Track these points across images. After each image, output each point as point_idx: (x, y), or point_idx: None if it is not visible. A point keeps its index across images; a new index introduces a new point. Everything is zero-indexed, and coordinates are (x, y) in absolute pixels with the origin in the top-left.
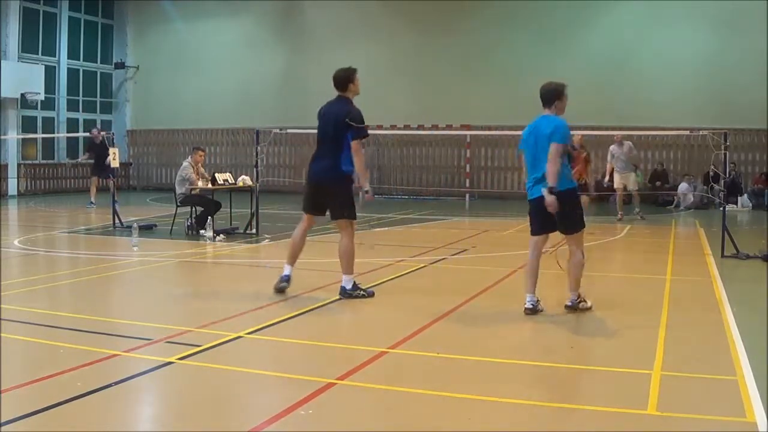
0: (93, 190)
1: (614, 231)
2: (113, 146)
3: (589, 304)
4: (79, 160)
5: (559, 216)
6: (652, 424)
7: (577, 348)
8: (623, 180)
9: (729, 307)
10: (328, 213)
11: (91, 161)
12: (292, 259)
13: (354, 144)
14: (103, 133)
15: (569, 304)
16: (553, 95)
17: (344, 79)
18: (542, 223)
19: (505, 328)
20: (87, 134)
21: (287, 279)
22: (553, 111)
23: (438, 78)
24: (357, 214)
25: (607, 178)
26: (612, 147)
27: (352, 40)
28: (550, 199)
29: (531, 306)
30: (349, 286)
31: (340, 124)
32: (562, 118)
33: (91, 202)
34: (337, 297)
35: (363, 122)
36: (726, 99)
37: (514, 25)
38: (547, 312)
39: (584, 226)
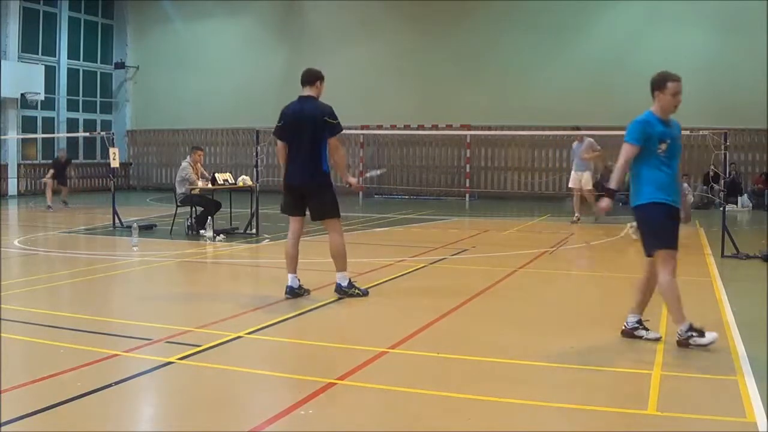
0: (49, 192)
1: (615, 231)
2: (113, 146)
3: (705, 341)
4: (44, 179)
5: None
6: (652, 424)
7: (577, 348)
8: (578, 179)
9: (729, 307)
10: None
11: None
12: (292, 268)
13: (333, 141)
14: (65, 155)
15: (678, 337)
16: (652, 86)
17: (315, 74)
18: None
19: (505, 328)
20: (86, 134)
21: (291, 291)
22: (654, 106)
23: (438, 78)
24: (360, 215)
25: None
26: (574, 143)
27: (352, 40)
28: (602, 203)
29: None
30: (344, 283)
31: (319, 125)
32: (656, 114)
33: (49, 206)
34: (336, 297)
35: (337, 118)
36: (726, 99)
37: (514, 25)
38: (546, 312)
39: (664, 246)
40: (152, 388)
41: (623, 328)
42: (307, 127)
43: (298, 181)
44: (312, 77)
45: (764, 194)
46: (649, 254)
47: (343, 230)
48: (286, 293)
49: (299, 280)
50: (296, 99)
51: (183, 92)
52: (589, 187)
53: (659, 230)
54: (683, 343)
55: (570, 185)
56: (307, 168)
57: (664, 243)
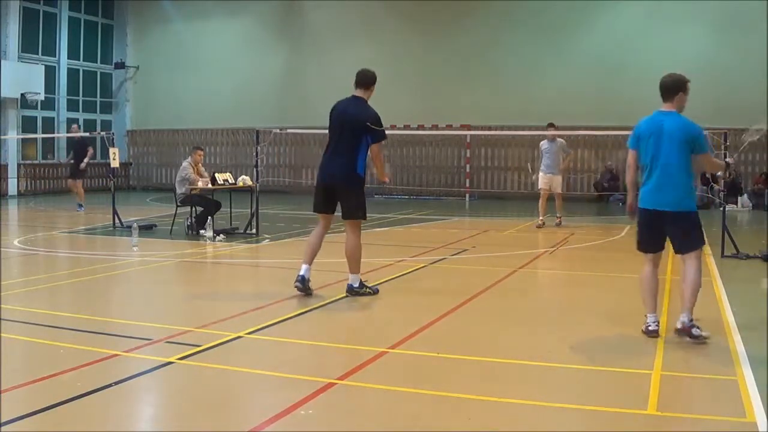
0: (80, 191)
1: (614, 231)
2: (113, 146)
3: (705, 333)
4: (66, 160)
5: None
6: (652, 424)
7: (577, 348)
8: (548, 181)
9: (729, 307)
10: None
11: (72, 161)
12: (309, 259)
13: (375, 147)
14: (79, 130)
15: (678, 326)
16: (676, 87)
17: (371, 78)
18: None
19: (505, 328)
20: (86, 134)
21: (302, 280)
22: (673, 106)
23: (438, 78)
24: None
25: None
26: (542, 142)
27: (353, 41)
28: None
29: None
30: (356, 284)
31: (361, 127)
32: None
33: (80, 204)
34: (337, 297)
35: (381, 125)
36: (726, 99)
37: (514, 25)
38: (546, 312)
39: (703, 244)
40: (152, 388)
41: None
42: (348, 127)
43: (329, 179)
44: (368, 80)
45: (764, 194)
46: (686, 252)
47: (344, 230)
48: (296, 281)
49: (306, 270)
50: (349, 96)
51: (183, 92)
52: (559, 190)
53: (701, 231)
54: (685, 331)
55: (540, 186)
56: (338, 167)
57: (703, 242)
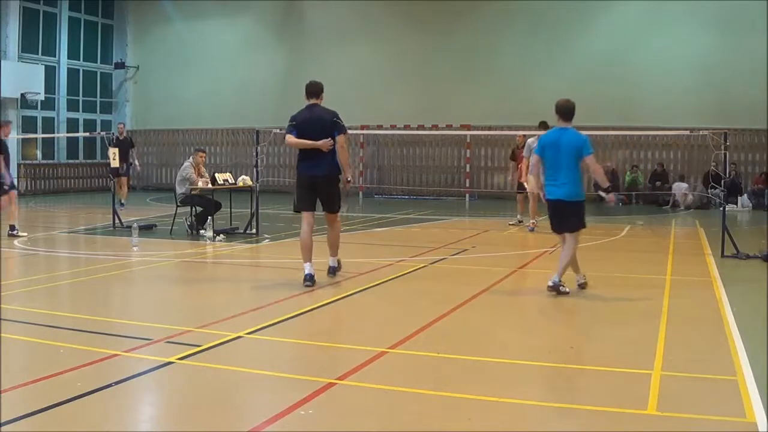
0: (124, 189)
1: (614, 231)
2: (113, 146)
3: (567, 289)
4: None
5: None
6: (652, 424)
7: (577, 348)
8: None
9: (729, 307)
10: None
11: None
12: (310, 257)
13: (341, 139)
14: (125, 130)
15: (550, 284)
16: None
17: (321, 88)
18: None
19: (505, 328)
20: (87, 134)
21: (311, 278)
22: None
23: (438, 78)
24: (360, 215)
25: (522, 177)
26: (532, 140)
27: (352, 41)
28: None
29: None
30: (336, 265)
31: (330, 126)
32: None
33: (122, 203)
34: (336, 297)
35: (342, 120)
36: (726, 99)
37: (514, 26)
38: (546, 312)
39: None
40: (152, 388)
41: (551, 285)
42: (323, 131)
43: (314, 178)
44: (319, 89)
45: (764, 194)
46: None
47: (344, 230)
48: (305, 281)
49: (311, 267)
50: (304, 108)
51: (183, 92)
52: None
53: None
54: (554, 288)
55: (530, 189)
56: (324, 166)
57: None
